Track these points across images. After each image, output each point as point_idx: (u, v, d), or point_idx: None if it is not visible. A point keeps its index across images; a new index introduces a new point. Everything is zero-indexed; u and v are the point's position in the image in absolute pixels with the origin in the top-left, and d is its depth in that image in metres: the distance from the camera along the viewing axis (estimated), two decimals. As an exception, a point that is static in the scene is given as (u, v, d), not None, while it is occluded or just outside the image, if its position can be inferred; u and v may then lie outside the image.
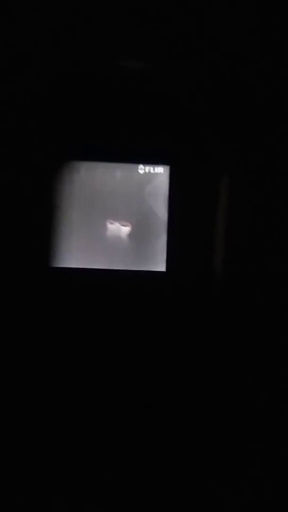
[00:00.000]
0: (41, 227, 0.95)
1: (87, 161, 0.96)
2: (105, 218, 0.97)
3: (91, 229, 0.97)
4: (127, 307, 0.94)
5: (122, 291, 0.95)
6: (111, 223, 0.97)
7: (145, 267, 0.97)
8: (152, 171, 0.97)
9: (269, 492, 0.77)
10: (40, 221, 0.94)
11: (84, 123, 0.95)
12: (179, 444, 0.88)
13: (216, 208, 0.95)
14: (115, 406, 0.90)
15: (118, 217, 0.97)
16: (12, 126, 0.92)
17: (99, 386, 0.91)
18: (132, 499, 0.82)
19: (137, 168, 0.97)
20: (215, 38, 0.78)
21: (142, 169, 0.97)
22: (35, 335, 0.91)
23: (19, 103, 0.91)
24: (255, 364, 0.84)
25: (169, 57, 0.84)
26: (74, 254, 0.97)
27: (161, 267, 0.97)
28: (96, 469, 0.85)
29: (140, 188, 0.97)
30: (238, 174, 0.91)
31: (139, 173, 0.97)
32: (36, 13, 0.75)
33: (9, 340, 0.90)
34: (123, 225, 0.97)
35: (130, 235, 0.97)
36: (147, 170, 0.97)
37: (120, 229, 0.97)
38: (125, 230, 0.97)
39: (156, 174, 0.97)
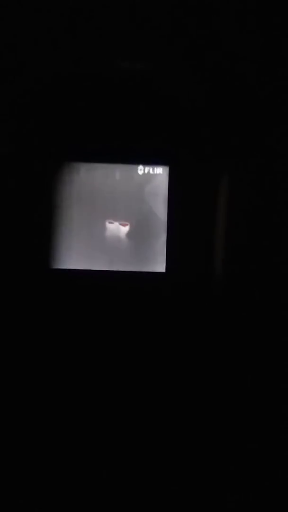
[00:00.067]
0: (41, 228, 0.95)
1: (86, 162, 0.96)
2: (105, 218, 0.97)
3: (90, 229, 0.97)
4: (127, 308, 0.94)
5: (122, 292, 0.95)
6: (110, 223, 0.97)
7: (145, 267, 0.97)
8: (151, 171, 0.97)
9: (269, 492, 0.77)
10: (40, 222, 0.94)
11: (84, 123, 0.94)
12: (178, 444, 0.88)
13: (216, 209, 0.95)
14: (116, 406, 0.90)
15: (118, 218, 0.97)
16: (12, 127, 0.92)
17: (99, 386, 0.91)
18: (132, 499, 0.82)
19: (137, 169, 0.97)
20: (215, 38, 0.78)
21: (141, 169, 0.97)
22: (36, 337, 0.91)
23: (19, 104, 0.91)
24: (255, 364, 0.84)
25: (169, 58, 0.84)
26: (74, 255, 0.96)
27: (161, 267, 0.97)
28: (96, 469, 0.85)
29: (139, 189, 0.97)
30: (238, 174, 0.91)
31: (139, 173, 0.97)
32: (36, 13, 0.75)
33: (9, 342, 0.90)
34: (122, 225, 0.97)
35: (130, 235, 0.97)
36: (146, 171, 0.97)
37: (119, 229, 0.97)
38: (124, 230, 0.97)
39: (156, 174, 0.97)
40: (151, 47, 0.82)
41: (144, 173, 0.97)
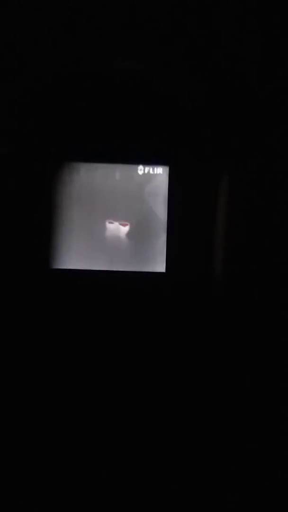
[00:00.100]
0: (41, 228, 0.95)
1: (86, 162, 0.96)
2: (105, 218, 0.97)
3: (90, 230, 0.97)
4: (127, 308, 0.94)
5: (122, 292, 0.95)
6: (110, 223, 0.97)
7: (145, 267, 0.97)
8: (151, 171, 0.97)
9: (269, 492, 0.77)
10: (40, 222, 0.94)
11: (84, 123, 0.95)
12: (178, 443, 0.88)
13: (216, 209, 0.95)
14: (116, 406, 0.90)
15: (118, 218, 0.97)
16: (12, 127, 0.92)
17: (99, 386, 0.91)
18: (131, 499, 0.82)
19: (137, 169, 0.97)
20: (215, 38, 0.78)
21: (141, 169, 0.97)
22: (36, 336, 0.91)
23: (19, 104, 0.91)
24: (255, 364, 0.84)
25: (169, 58, 0.84)
26: (74, 255, 0.96)
27: (161, 267, 0.97)
28: (95, 469, 0.85)
29: (139, 189, 0.97)
30: (238, 174, 0.91)
31: (139, 173, 0.97)
32: (36, 13, 0.75)
33: (9, 342, 0.90)
34: (122, 225, 0.97)
35: (130, 234, 0.97)
36: (146, 171, 0.97)
37: (119, 229, 0.97)
38: (124, 229, 0.97)
39: (156, 174, 0.97)
40: (151, 47, 0.82)
41: (144, 173, 0.97)
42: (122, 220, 0.97)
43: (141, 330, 0.94)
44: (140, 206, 0.97)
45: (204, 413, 0.89)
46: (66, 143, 0.95)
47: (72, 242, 0.96)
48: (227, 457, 0.84)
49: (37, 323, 0.92)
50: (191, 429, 0.89)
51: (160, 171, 0.97)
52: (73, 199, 0.96)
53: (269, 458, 0.78)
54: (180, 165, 0.96)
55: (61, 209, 0.96)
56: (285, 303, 0.82)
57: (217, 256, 0.94)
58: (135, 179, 0.97)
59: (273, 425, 0.79)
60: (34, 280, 0.93)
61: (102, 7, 0.75)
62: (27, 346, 0.90)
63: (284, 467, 0.77)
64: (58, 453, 0.86)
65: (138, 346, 0.93)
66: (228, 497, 0.80)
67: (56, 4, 0.74)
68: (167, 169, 0.97)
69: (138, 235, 0.97)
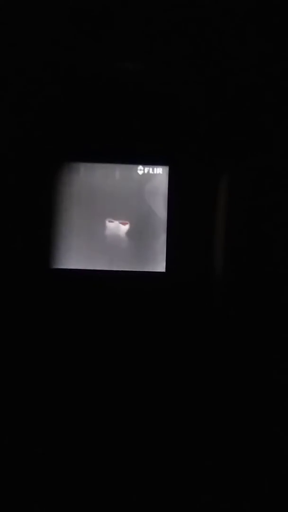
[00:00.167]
0: (41, 228, 0.95)
1: (86, 163, 0.96)
2: (105, 218, 0.97)
3: (90, 229, 0.97)
4: (127, 308, 0.94)
5: (122, 292, 0.95)
6: (110, 222, 0.97)
7: (145, 267, 0.97)
8: (151, 171, 0.97)
9: (268, 492, 0.77)
10: (40, 222, 0.94)
11: (84, 124, 0.95)
12: (178, 443, 0.87)
13: (215, 208, 0.95)
14: (116, 406, 0.90)
15: (118, 217, 0.97)
16: (12, 127, 0.92)
17: (99, 386, 0.90)
18: (131, 500, 0.82)
19: (137, 169, 0.97)
20: (215, 38, 0.78)
21: (141, 169, 0.97)
22: (36, 336, 0.91)
23: (19, 104, 0.91)
24: (255, 364, 0.84)
25: (168, 58, 0.84)
26: (74, 254, 0.96)
27: (161, 267, 0.97)
28: (95, 469, 0.85)
29: (139, 188, 0.97)
30: (237, 174, 0.91)
31: (138, 174, 0.97)
32: (36, 14, 0.75)
33: (9, 343, 0.89)
34: (122, 224, 0.97)
35: (129, 234, 0.97)
36: (146, 171, 0.97)
37: (119, 228, 0.97)
38: (124, 228, 0.97)
39: (156, 174, 0.97)
40: (151, 48, 0.83)
41: (144, 173, 0.97)
42: (122, 219, 0.97)
43: (141, 330, 0.93)
44: (140, 205, 0.97)
45: (205, 414, 0.89)
46: (66, 143, 0.96)
47: (72, 241, 0.96)
48: (226, 457, 0.84)
49: (38, 322, 0.91)
50: (190, 428, 0.88)
51: (160, 171, 0.97)
52: (73, 199, 0.96)
53: (268, 458, 0.78)
54: (179, 165, 0.97)
55: (61, 209, 0.96)
56: (285, 303, 0.82)
57: (217, 256, 0.94)
58: (135, 179, 0.97)
59: (273, 425, 0.79)
60: (34, 280, 0.93)
61: (102, 7, 0.75)
62: (27, 345, 0.90)
63: (284, 467, 0.77)
64: (57, 453, 0.86)
65: (138, 346, 0.93)
66: (227, 497, 0.80)
67: (57, 5, 0.74)
68: (166, 169, 0.97)
69: (138, 234, 0.97)
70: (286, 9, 0.70)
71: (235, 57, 0.80)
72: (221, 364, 0.90)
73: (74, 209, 0.96)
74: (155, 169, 0.97)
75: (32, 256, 0.93)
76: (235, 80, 0.84)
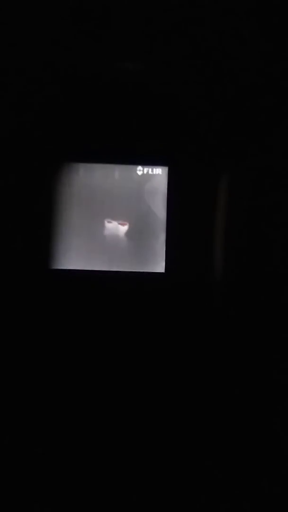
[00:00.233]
0: (41, 229, 0.94)
1: (86, 163, 0.96)
2: (104, 218, 0.97)
3: (90, 230, 0.97)
4: (127, 308, 0.94)
5: (122, 293, 0.95)
6: (109, 222, 0.97)
7: (144, 267, 0.97)
8: (150, 172, 0.97)
9: (268, 492, 0.77)
10: (39, 222, 0.94)
11: (83, 125, 0.95)
12: (178, 443, 0.87)
13: (214, 208, 0.95)
14: (116, 406, 0.89)
15: (117, 217, 0.97)
16: (12, 128, 0.92)
17: (99, 386, 0.90)
18: (131, 500, 0.82)
19: (136, 170, 0.97)
20: (215, 38, 0.78)
21: (140, 170, 0.97)
22: (36, 337, 0.91)
23: (19, 105, 0.91)
24: (255, 364, 0.84)
25: (168, 58, 0.84)
26: (73, 255, 0.96)
27: (160, 267, 0.97)
28: (95, 469, 0.85)
29: (139, 189, 0.97)
30: (237, 174, 0.91)
31: (138, 174, 0.97)
32: (36, 14, 0.75)
33: (9, 343, 0.89)
34: (121, 224, 0.97)
35: (129, 234, 0.97)
36: (145, 172, 0.97)
37: (118, 228, 0.97)
38: (123, 229, 0.97)
39: (155, 175, 0.97)
40: (151, 48, 0.83)
41: (143, 174, 0.97)
42: (121, 219, 0.97)
43: (141, 330, 0.93)
44: (140, 206, 0.97)
45: (204, 414, 0.89)
46: (66, 144, 0.96)
47: (71, 241, 0.96)
48: (226, 459, 0.84)
49: (37, 323, 0.91)
50: (190, 428, 0.88)
51: (159, 172, 0.97)
52: (73, 200, 0.96)
53: (268, 459, 0.78)
54: (179, 165, 0.97)
55: (61, 209, 0.96)
56: (285, 303, 0.82)
57: (216, 256, 0.94)
58: (135, 179, 0.97)
59: (272, 424, 0.79)
60: (34, 280, 0.93)
61: (102, 7, 0.75)
62: (27, 345, 0.90)
63: (284, 468, 0.77)
64: (57, 453, 0.86)
65: (138, 346, 0.93)
66: (227, 497, 0.80)
67: (57, 5, 0.74)
68: (166, 169, 0.97)
69: (137, 234, 0.97)
70: (286, 9, 0.70)
71: (235, 57, 0.80)
72: (221, 364, 0.90)
73: (73, 210, 0.96)
74: (154, 169, 0.97)
75: (32, 257, 0.93)
76: (235, 80, 0.84)
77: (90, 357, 0.92)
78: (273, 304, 0.83)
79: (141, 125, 0.95)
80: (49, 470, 0.84)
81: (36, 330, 0.91)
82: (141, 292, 0.95)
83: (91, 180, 0.97)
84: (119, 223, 0.96)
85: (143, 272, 0.97)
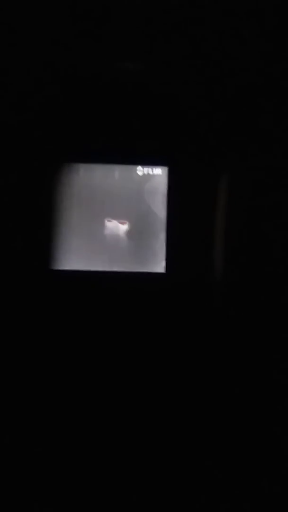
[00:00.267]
0: (41, 229, 0.94)
1: (86, 163, 0.96)
2: (104, 218, 0.97)
3: (90, 230, 0.97)
4: (127, 308, 0.94)
5: (122, 293, 0.95)
6: (109, 221, 0.97)
7: (144, 267, 0.97)
8: (150, 172, 0.97)
9: (268, 493, 0.77)
10: (39, 223, 0.94)
11: (83, 124, 0.95)
12: (178, 443, 0.87)
13: (215, 209, 0.95)
14: (116, 406, 0.89)
15: (117, 217, 0.97)
16: (12, 128, 0.92)
17: (99, 387, 0.90)
18: (131, 500, 0.82)
19: (136, 170, 0.97)
20: (214, 38, 0.78)
21: (140, 170, 0.97)
22: (36, 337, 0.91)
23: (19, 105, 0.91)
24: (255, 364, 0.84)
25: (168, 58, 0.84)
26: (74, 255, 0.96)
27: (160, 267, 0.97)
28: (95, 469, 0.85)
29: (139, 189, 0.97)
30: (237, 174, 0.91)
31: (138, 174, 0.97)
32: (36, 15, 0.75)
33: (9, 343, 0.89)
34: (121, 223, 0.97)
35: (129, 233, 0.97)
36: (145, 172, 0.97)
37: (118, 227, 0.96)
38: (123, 228, 0.97)
39: (155, 175, 0.97)
40: (151, 48, 0.83)
41: (143, 174, 0.97)
42: (121, 219, 0.97)
43: (141, 331, 0.93)
44: (140, 206, 0.97)
45: (204, 413, 0.89)
46: (66, 144, 0.96)
47: (72, 241, 0.96)
48: (226, 459, 0.84)
49: (37, 323, 0.91)
50: (191, 426, 0.88)
51: (159, 172, 0.97)
52: (73, 200, 0.96)
53: (268, 461, 0.78)
54: (179, 165, 0.97)
55: (61, 210, 0.96)
56: (285, 303, 0.82)
57: (216, 256, 0.94)
58: (135, 179, 0.97)
59: (271, 424, 0.79)
60: (34, 281, 0.93)
61: (102, 7, 0.75)
62: (27, 345, 0.90)
63: (284, 468, 0.77)
64: (57, 453, 0.86)
65: (138, 347, 0.93)
66: (226, 497, 0.80)
67: (57, 5, 0.74)
68: (166, 169, 0.97)
69: (137, 233, 0.97)
70: (286, 9, 0.70)
71: (235, 57, 0.80)
72: (221, 364, 0.90)
73: (73, 210, 0.96)
74: (154, 169, 0.97)
75: (32, 257, 0.93)
76: (235, 80, 0.84)
77: (91, 357, 0.92)
78: (273, 304, 0.84)
79: (141, 125, 0.95)
80: (49, 470, 0.84)
81: (36, 331, 0.91)
82: (141, 292, 0.95)
83: (91, 180, 0.96)
84: (119, 222, 0.96)
85: (143, 272, 0.97)
